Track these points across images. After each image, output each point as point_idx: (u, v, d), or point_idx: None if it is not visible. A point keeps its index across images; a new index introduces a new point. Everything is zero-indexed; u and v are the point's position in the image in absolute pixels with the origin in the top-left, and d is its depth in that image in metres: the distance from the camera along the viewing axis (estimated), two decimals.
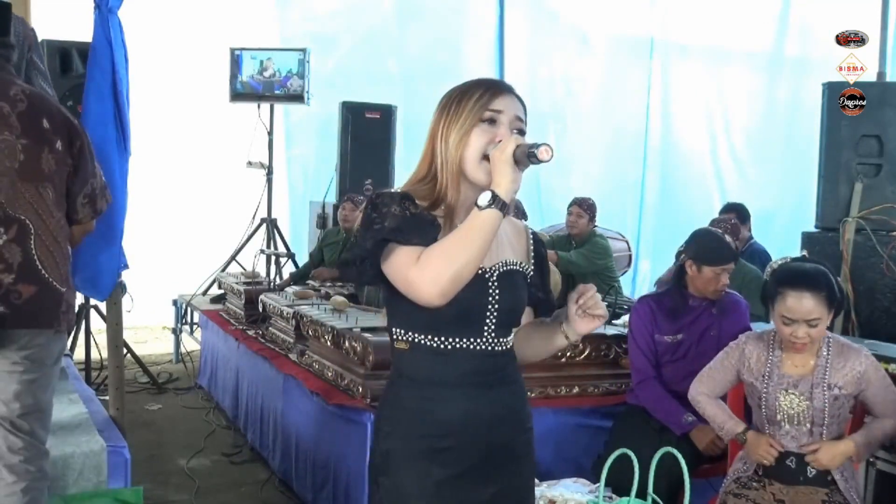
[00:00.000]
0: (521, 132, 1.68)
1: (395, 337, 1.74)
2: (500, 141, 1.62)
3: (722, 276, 3.22)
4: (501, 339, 1.73)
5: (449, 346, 1.69)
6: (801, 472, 2.56)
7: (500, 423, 1.72)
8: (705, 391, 2.76)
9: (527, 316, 1.87)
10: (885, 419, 2.56)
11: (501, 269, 1.73)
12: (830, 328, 2.63)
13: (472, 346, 1.69)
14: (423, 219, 1.63)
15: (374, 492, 1.75)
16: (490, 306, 1.70)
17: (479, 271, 1.67)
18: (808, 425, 2.54)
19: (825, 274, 2.54)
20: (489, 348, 1.71)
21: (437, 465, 1.68)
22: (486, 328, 1.70)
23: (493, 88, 1.69)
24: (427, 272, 1.58)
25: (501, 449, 1.73)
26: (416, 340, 1.70)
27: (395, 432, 1.71)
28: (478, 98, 1.67)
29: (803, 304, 2.45)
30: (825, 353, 2.55)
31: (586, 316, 1.73)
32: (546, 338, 1.82)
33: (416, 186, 1.69)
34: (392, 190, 1.70)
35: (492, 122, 1.66)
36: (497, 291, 1.71)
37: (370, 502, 1.77)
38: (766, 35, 8.42)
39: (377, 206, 1.64)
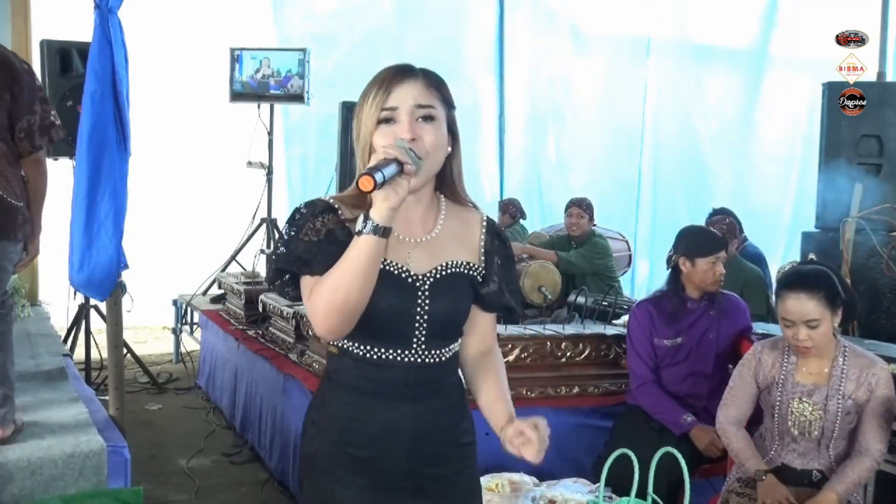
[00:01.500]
0: (428, 118, 1.55)
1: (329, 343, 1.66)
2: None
3: (717, 265, 3.23)
4: (434, 351, 1.61)
5: (374, 357, 1.59)
6: (806, 476, 2.56)
7: (423, 437, 1.62)
8: (733, 417, 2.70)
9: (477, 319, 1.71)
10: (863, 458, 2.49)
11: (438, 275, 1.60)
12: (845, 333, 2.61)
13: (399, 358, 1.59)
14: (331, 241, 1.53)
15: (299, 493, 1.72)
16: (419, 317, 1.58)
17: (409, 279, 1.58)
18: (818, 435, 2.52)
19: (825, 275, 2.52)
20: (418, 360, 1.60)
21: (358, 475, 1.61)
22: (415, 339, 1.59)
23: (386, 82, 1.58)
24: (316, 307, 1.50)
25: (427, 465, 1.64)
26: (344, 346, 1.61)
27: (318, 437, 1.65)
28: (373, 98, 1.57)
29: (800, 305, 2.45)
30: (841, 362, 2.53)
31: (517, 446, 1.58)
32: (487, 409, 1.70)
33: (349, 194, 1.58)
34: (322, 198, 1.61)
35: (388, 121, 1.55)
36: (428, 301, 1.59)
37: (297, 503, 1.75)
38: (766, 35, 8.41)
39: (293, 222, 1.56)
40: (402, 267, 1.59)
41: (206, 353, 5.73)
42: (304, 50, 6.43)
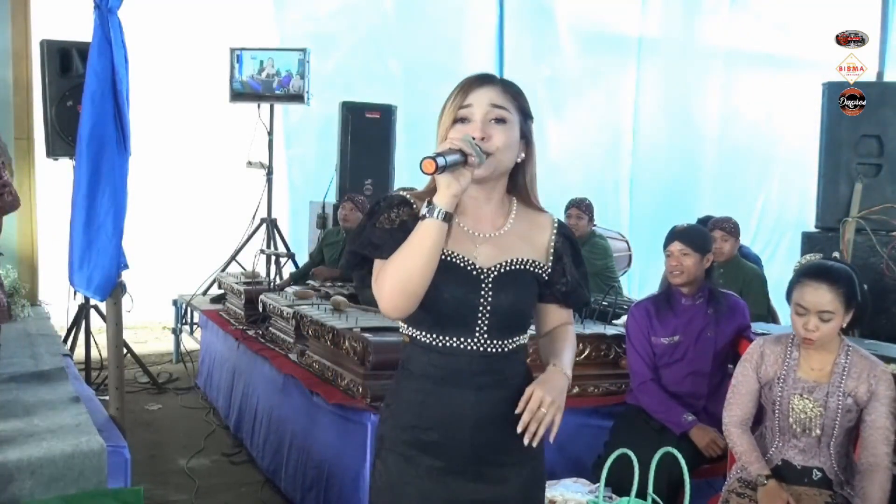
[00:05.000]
0: (500, 120, 1.67)
1: (400, 329, 1.78)
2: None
3: (671, 258, 3.27)
4: (497, 342, 1.70)
5: (440, 344, 1.70)
6: (807, 475, 2.56)
7: (485, 426, 1.70)
8: (738, 418, 2.69)
9: (551, 313, 1.82)
10: (876, 471, 2.44)
11: (502, 270, 1.70)
12: (845, 333, 2.61)
13: (462, 346, 1.69)
14: (404, 230, 1.64)
15: (373, 471, 1.81)
16: (482, 307, 1.68)
17: (474, 272, 1.68)
18: (818, 433, 2.52)
19: (848, 274, 2.54)
20: (481, 349, 1.69)
21: (426, 455, 1.71)
22: (477, 329, 1.69)
23: (466, 85, 1.69)
24: (382, 287, 1.62)
25: (491, 452, 1.72)
26: (414, 335, 1.73)
27: (389, 419, 1.77)
28: (453, 99, 1.69)
29: (819, 294, 2.46)
30: (843, 360, 2.53)
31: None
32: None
33: (423, 191, 1.72)
34: (399, 193, 1.74)
35: (463, 120, 1.67)
36: (491, 293, 1.68)
37: (371, 479, 1.83)
38: (765, 35, 8.41)
39: (371, 213, 1.71)
40: (468, 260, 1.69)
41: (205, 354, 5.74)
42: (304, 50, 6.43)
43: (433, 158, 1.50)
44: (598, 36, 8.23)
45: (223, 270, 6.41)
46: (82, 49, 3.70)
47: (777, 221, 8.52)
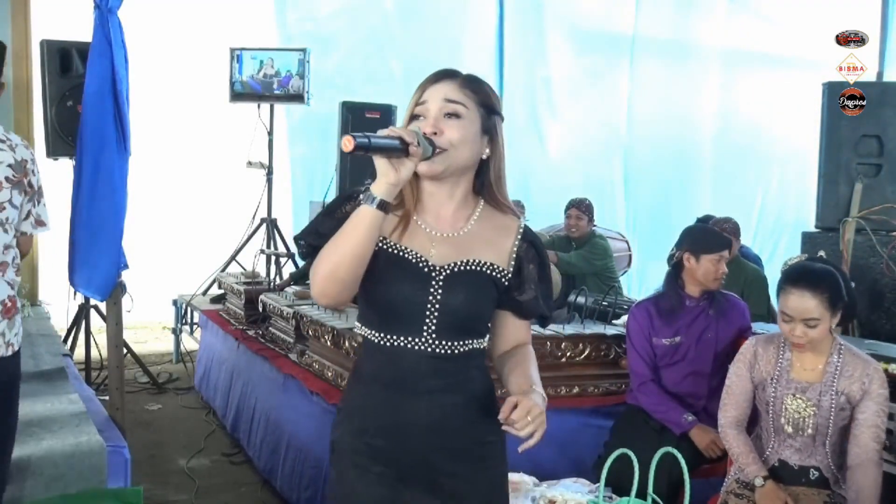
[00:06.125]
0: (453, 114, 1.61)
1: (354, 329, 1.73)
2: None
3: (720, 263, 3.24)
4: (446, 342, 1.62)
5: (388, 344, 1.63)
6: (804, 475, 2.56)
7: (439, 431, 1.63)
8: (733, 418, 2.68)
9: (508, 324, 1.74)
10: (867, 466, 2.42)
11: (456, 269, 1.63)
12: (844, 333, 2.60)
13: (410, 346, 1.62)
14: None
15: (328, 480, 1.77)
16: (430, 305, 1.61)
17: (425, 269, 1.62)
18: (811, 432, 2.52)
19: (831, 275, 2.50)
20: (429, 349, 1.62)
21: (375, 463, 1.64)
22: (425, 328, 1.61)
23: (424, 83, 1.67)
24: (315, 271, 1.57)
25: (445, 460, 1.65)
26: (365, 334, 1.67)
27: (341, 425, 1.71)
28: (413, 97, 1.66)
29: (802, 302, 2.43)
30: (836, 360, 2.52)
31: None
32: (509, 385, 1.65)
33: None
34: (364, 187, 1.62)
35: (418, 117, 1.63)
36: (441, 291, 1.62)
37: (326, 488, 1.81)
38: (764, 35, 8.41)
39: (328, 205, 1.70)
40: (420, 257, 1.63)
41: (203, 354, 5.73)
42: (304, 50, 6.43)
43: (353, 136, 1.44)
44: (598, 36, 8.23)
45: (223, 270, 6.41)
46: (82, 49, 3.70)
47: (776, 221, 8.52)
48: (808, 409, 2.51)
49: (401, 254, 1.62)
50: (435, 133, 1.59)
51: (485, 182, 1.70)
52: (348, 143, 1.43)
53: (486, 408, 1.69)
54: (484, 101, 1.66)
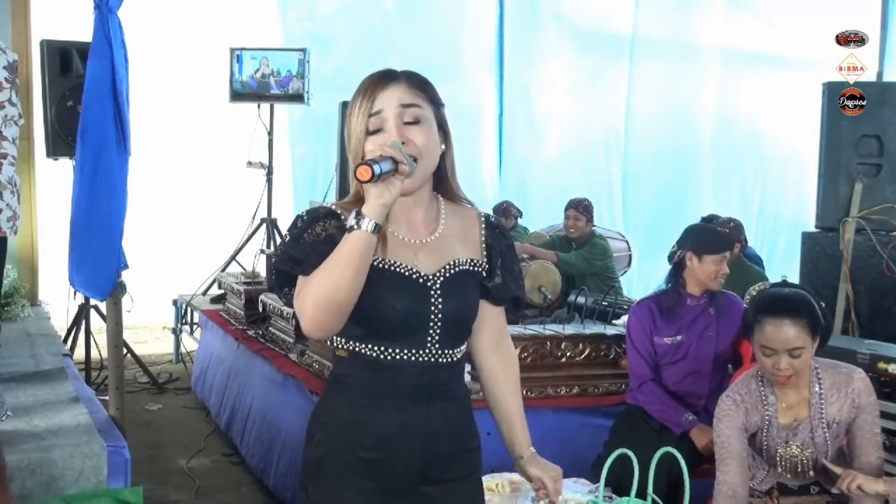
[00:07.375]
0: (415, 120, 1.57)
1: (334, 345, 1.64)
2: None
3: (722, 264, 3.23)
4: (447, 351, 1.62)
5: (389, 357, 1.58)
6: (804, 492, 2.53)
7: (435, 439, 1.62)
8: (730, 486, 2.41)
9: (485, 312, 1.73)
10: (872, 474, 2.33)
11: (447, 274, 1.62)
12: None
13: (413, 358, 1.59)
14: (329, 243, 1.51)
15: (303, 499, 1.67)
16: (433, 316, 1.59)
17: (420, 279, 1.59)
18: (812, 474, 2.47)
19: (806, 299, 2.38)
20: (432, 360, 1.60)
21: (367, 478, 1.60)
22: (429, 339, 1.59)
23: (370, 89, 1.59)
24: (304, 303, 1.49)
25: (437, 467, 1.63)
26: (356, 349, 1.60)
27: (326, 440, 1.63)
28: (359, 107, 1.58)
29: (783, 332, 2.29)
30: (817, 389, 2.39)
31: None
32: (506, 433, 1.80)
33: (350, 200, 1.61)
34: (324, 204, 1.62)
35: (377, 131, 1.56)
36: (440, 300, 1.60)
37: None
38: (764, 34, 8.41)
39: (293, 227, 1.58)
40: (410, 268, 1.60)
41: (201, 355, 5.72)
42: (304, 50, 6.43)
43: (369, 165, 1.40)
44: (597, 35, 8.22)
45: (223, 270, 6.41)
46: (82, 49, 3.71)
47: (775, 221, 8.51)
48: (804, 453, 2.42)
49: (391, 268, 1.58)
50: (404, 143, 1.53)
51: (442, 178, 1.67)
52: (365, 173, 1.39)
53: (468, 413, 1.70)
54: (433, 96, 1.63)
